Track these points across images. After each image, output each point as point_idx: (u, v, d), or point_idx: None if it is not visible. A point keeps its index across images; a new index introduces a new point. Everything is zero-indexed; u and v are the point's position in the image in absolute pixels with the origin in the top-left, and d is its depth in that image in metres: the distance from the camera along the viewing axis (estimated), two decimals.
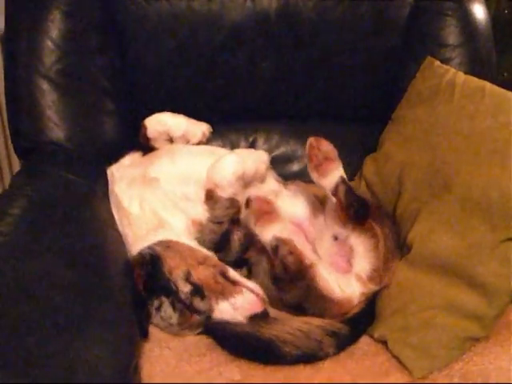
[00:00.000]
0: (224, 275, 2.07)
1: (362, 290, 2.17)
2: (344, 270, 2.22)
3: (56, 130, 2.47)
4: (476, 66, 2.80)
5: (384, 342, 2.06)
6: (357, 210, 2.16)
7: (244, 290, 2.02)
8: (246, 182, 2.32)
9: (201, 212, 2.26)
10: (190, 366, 1.91)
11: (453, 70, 2.52)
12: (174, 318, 2.02)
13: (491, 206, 2.00)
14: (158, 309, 2.03)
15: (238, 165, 2.26)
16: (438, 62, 2.63)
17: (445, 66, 2.59)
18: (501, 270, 1.95)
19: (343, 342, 2.03)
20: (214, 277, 2.04)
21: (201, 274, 2.04)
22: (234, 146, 2.92)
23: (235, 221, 2.29)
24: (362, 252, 2.20)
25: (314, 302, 2.11)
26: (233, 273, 2.10)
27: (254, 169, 2.34)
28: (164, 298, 2.02)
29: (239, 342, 2.00)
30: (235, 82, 2.82)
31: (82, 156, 2.51)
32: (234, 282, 2.05)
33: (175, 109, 2.68)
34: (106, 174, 2.46)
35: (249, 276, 2.24)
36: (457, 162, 2.16)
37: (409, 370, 1.92)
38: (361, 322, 2.14)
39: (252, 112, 2.93)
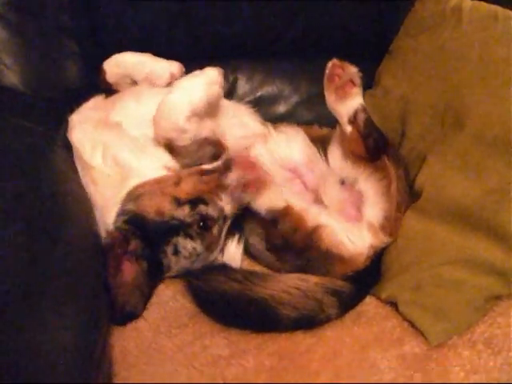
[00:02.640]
0: (204, 173, 1.91)
1: (373, 242, 1.96)
2: (354, 219, 2.01)
3: (9, 73, 2.20)
4: None
5: (393, 304, 1.84)
6: (376, 141, 1.99)
7: (229, 173, 1.88)
8: (202, 114, 2.01)
9: (172, 158, 2.00)
10: (170, 339, 1.68)
11: None
12: (198, 244, 1.86)
13: (510, 143, 1.78)
14: (176, 252, 1.85)
15: (183, 104, 1.94)
16: None
17: None
18: None
19: (346, 301, 1.83)
20: (198, 180, 1.89)
21: (186, 189, 1.87)
22: None
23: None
24: (373, 196, 2.00)
25: (320, 263, 1.91)
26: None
27: (204, 98, 1.99)
28: (175, 238, 1.84)
29: (226, 305, 1.77)
30: (212, 17, 2.52)
31: (40, 102, 2.24)
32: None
33: (146, 47, 2.36)
34: (67, 121, 2.16)
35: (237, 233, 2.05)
36: (469, 95, 1.94)
37: (424, 336, 1.71)
38: (365, 279, 1.93)
39: (232, 48, 2.65)
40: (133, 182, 1.91)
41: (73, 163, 2.03)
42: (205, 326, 1.73)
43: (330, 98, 2.02)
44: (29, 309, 1.33)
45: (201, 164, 1.96)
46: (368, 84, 2.52)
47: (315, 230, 1.91)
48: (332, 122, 2.40)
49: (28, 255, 1.43)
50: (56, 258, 1.51)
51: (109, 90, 2.29)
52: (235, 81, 2.69)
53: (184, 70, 2.35)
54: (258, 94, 2.69)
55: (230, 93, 2.61)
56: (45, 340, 1.31)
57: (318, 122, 2.45)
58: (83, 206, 1.88)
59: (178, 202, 1.83)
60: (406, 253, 1.91)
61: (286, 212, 1.91)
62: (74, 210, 1.79)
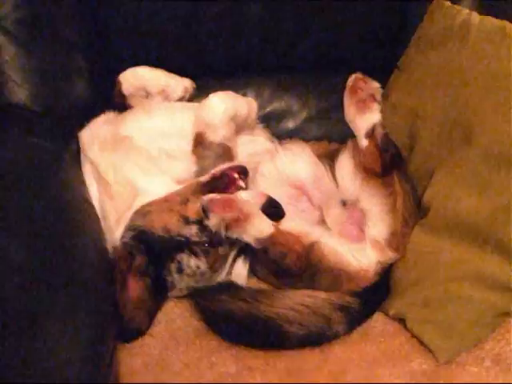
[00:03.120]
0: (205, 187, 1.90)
1: (380, 258, 1.94)
2: (356, 239, 1.99)
3: (17, 89, 2.18)
4: (491, 6, 2.48)
5: (402, 320, 1.83)
6: (393, 156, 2.01)
7: (238, 193, 1.88)
8: (238, 125, 2.08)
9: (186, 168, 2.01)
10: (177, 356, 1.68)
11: (466, 11, 2.23)
12: (202, 262, 1.86)
13: None
14: (180, 270, 1.85)
15: (229, 103, 2.04)
16: (448, 3, 2.35)
17: (456, 7, 2.30)
18: None
19: (355, 318, 1.82)
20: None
21: (193, 209, 1.86)
22: None
23: None
24: (378, 214, 1.98)
25: (326, 280, 1.90)
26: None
27: (246, 110, 2.12)
28: (179, 255, 1.85)
29: (233, 325, 1.77)
30: (220, 31, 2.51)
31: (48, 118, 2.22)
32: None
33: (154, 64, 2.39)
34: (77, 138, 2.18)
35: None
36: (478, 111, 1.91)
37: (432, 353, 1.71)
38: (374, 295, 1.91)
39: (240, 65, 2.64)
40: (140, 200, 1.91)
41: (81, 179, 2.04)
42: (212, 343, 1.72)
43: (350, 110, 2.04)
44: (32, 323, 1.32)
45: None
46: None
47: (311, 249, 1.90)
48: (341, 137, 2.40)
49: (33, 269, 1.43)
50: (61, 273, 1.51)
51: (120, 105, 2.30)
52: (244, 96, 2.63)
53: (195, 86, 2.39)
54: (267, 109, 2.66)
55: None
56: (49, 354, 1.30)
57: (326, 138, 2.44)
58: (90, 221, 1.89)
59: (186, 221, 1.84)
60: (414, 269, 1.89)
61: (273, 239, 1.86)
62: (80, 226, 1.79)
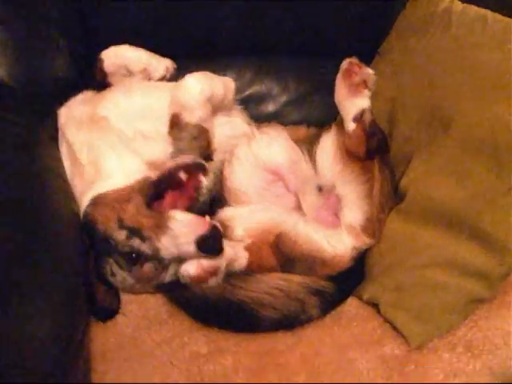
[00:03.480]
0: (150, 202, 1.81)
1: (355, 244, 1.94)
2: (331, 225, 1.98)
3: None
4: None
5: (375, 305, 1.83)
6: (380, 141, 1.98)
7: (175, 213, 1.75)
8: (214, 106, 2.04)
9: (162, 150, 1.96)
10: (149, 335, 1.67)
11: None
12: (126, 274, 1.76)
13: (497, 148, 1.76)
14: (112, 274, 1.78)
15: (206, 83, 1.99)
16: None
17: None
18: (510, 222, 1.70)
19: (329, 302, 1.82)
20: (139, 211, 1.78)
21: (130, 212, 1.78)
22: None
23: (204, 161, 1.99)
24: (354, 200, 1.97)
25: (301, 267, 1.89)
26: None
27: (222, 90, 2.07)
28: (110, 259, 1.77)
29: (206, 307, 1.76)
30: (200, 12, 2.47)
31: (26, 96, 2.18)
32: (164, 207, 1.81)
33: (134, 43, 2.33)
34: (55, 116, 2.13)
35: None
36: (457, 98, 1.91)
37: (405, 338, 1.71)
38: (348, 279, 1.91)
39: (221, 46, 2.62)
40: (100, 185, 1.87)
41: (57, 156, 2.01)
42: (184, 324, 1.72)
43: (341, 92, 2.00)
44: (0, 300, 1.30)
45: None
46: None
47: (280, 240, 1.91)
48: (320, 121, 2.40)
49: (7, 247, 1.41)
50: (32, 249, 1.49)
51: (100, 83, 2.26)
52: None
53: (176, 66, 2.36)
54: (247, 92, 2.65)
55: None
56: (18, 331, 1.29)
57: (306, 122, 2.43)
58: (67, 200, 1.86)
59: (121, 224, 1.75)
60: (389, 254, 1.89)
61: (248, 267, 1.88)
62: (57, 205, 1.77)
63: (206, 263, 1.71)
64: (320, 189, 2.04)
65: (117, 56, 2.25)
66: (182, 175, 1.80)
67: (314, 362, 1.60)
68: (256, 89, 2.66)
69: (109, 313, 1.76)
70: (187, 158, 1.84)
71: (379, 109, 2.22)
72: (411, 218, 1.88)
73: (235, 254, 1.84)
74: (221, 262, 1.75)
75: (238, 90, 2.50)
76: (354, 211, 1.95)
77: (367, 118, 1.94)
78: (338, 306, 1.84)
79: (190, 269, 1.71)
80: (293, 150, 2.14)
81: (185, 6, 2.45)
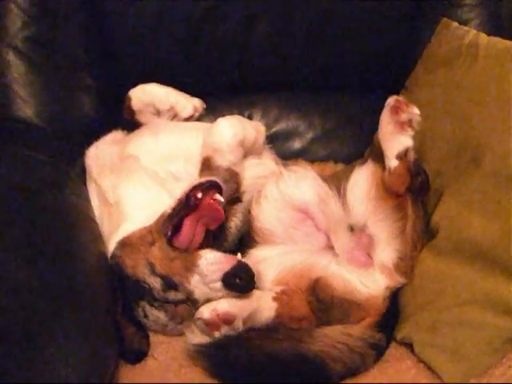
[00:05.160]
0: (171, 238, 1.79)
1: (388, 283, 1.91)
2: (364, 265, 1.95)
3: (23, 106, 2.20)
4: (498, 27, 2.53)
5: (409, 345, 1.79)
6: (423, 181, 1.95)
7: (203, 252, 1.74)
8: (246, 150, 2.04)
9: None
10: (179, 378, 1.63)
11: (473, 32, 2.25)
12: (162, 316, 1.77)
13: None
14: (145, 316, 1.78)
15: (238, 128, 1.99)
16: (455, 24, 2.36)
17: (464, 28, 2.32)
18: None
19: (382, 353, 1.80)
20: (165, 254, 1.77)
21: (158, 258, 1.77)
22: None
23: (233, 203, 2.02)
24: (386, 239, 1.94)
25: (338, 312, 1.86)
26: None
27: (254, 134, 2.06)
28: (143, 302, 1.77)
29: (279, 365, 1.69)
30: (226, 51, 2.53)
31: (54, 135, 2.23)
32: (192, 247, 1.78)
33: (162, 82, 2.37)
34: (83, 155, 2.16)
35: None
36: (487, 131, 1.89)
37: (440, 378, 1.65)
38: (390, 325, 1.89)
39: (246, 84, 2.65)
40: (126, 227, 1.87)
41: (86, 197, 2.03)
42: None
43: (387, 128, 1.93)
44: (32, 343, 1.29)
45: None
46: None
47: (318, 286, 1.88)
48: (347, 157, 2.40)
49: (33, 287, 1.40)
50: (63, 292, 1.48)
51: (129, 122, 2.29)
52: (250, 117, 2.67)
53: (205, 106, 2.38)
54: (273, 130, 2.67)
55: None
56: (48, 376, 1.27)
57: (332, 158, 2.43)
58: (95, 241, 1.86)
59: (153, 270, 1.75)
60: (422, 292, 1.85)
61: (278, 319, 1.84)
62: (85, 245, 1.76)
63: (221, 309, 1.69)
64: (351, 228, 2.00)
65: (144, 93, 2.26)
66: (199, 194, 1.77)
67: None
68: (282, 126, 2.68)
69: (138, 355, 1.73)
70: (201, 179, 1.83)
71: None
72: (444, 255, 1.84)
73: (260, 305, 1.80)
74: (240, 311, 1.71)
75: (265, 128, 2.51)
76: (387, 250, 1.92)
77: (411, 156, 1.90)
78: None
79: (205, 312, 1.68)
80: (321, 188, 2.10)
81: (211, 43, 2.49)
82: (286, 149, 2.63)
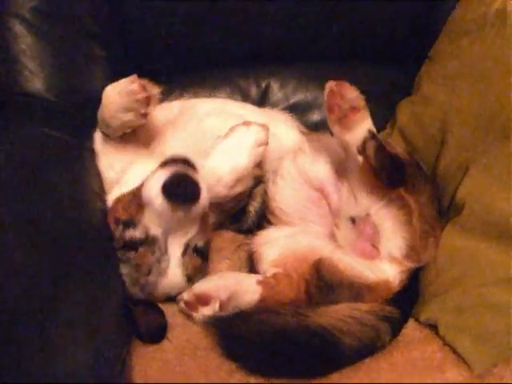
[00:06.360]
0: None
1: (399, 270, 1.82)
2: (370, 256, 1.84)
3: (32, 79, 2.13)
4: None
5: (433, 326, 1.71)
6: (390, 173, 1.75)
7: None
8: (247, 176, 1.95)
9: None
10: (195, 361, 1.57)
11: None
12: (128, 268, 1.72)
13: None
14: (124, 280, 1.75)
15: (225, 174, 1.88)
16: None
17: None
18: None
19: (396, 327, 1.71)
20: (129, 200, 1.77)
21: (122, 209, 1.78)
22: (243, 94, 2.57)
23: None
24: (392, 227, 1.81)
25: (346, 294, 1.77)
26: None
27: (249, 165, 1.92)
28: (121, 265, 1.74)
29: (279, 338, 1.61)
30: (244, 19, 2.43)
31: (66, 109, 2.16)
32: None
33: (175, 51, 2.37)
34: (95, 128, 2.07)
35: None
36: None
37: (467, 363, 1.57)
38: (406, 301, 1.80)
39: (264, 54, 2.56)
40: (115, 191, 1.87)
41: (98, 173, 1.97)
42: None
43: (335, 129, 1.81)
44: (38, 328, 1.23)
45: None
46: (406, 90, 2.42)
47: (320, 266, 1.79)
48: None
49: (38, 270, 1.34)
50: (69, 274, 1.42)
51: None
52: (268, 87, 2.60)
53: None
54: (292, 101, 2.59)
55: (263, 100, 2.52)
56: (56, 362, 1.22)
57: None
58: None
59: (117, 222, 1.75)
60: (447, 272, 1.77)
61: (263, 302, 1.77)
62: (95, 225, 1.73)
63: (198, 289, 1.68)
64: (353, 220, 1.88)
65: None
66: None
67: None
68: (300, 97, 2.59)
69: (158, 331, 1.68)
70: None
71: (430, 115, 2.16)
72: (470, 233, 1.76)
73: (242, 287, 1.75)
74: (217, 293, 1.69)
75: (283, 99, 2.45)
76: (394, 241, 1.81)
77: (370, 146, 1.73)
78: (402, 328, 1.73)
79: (184, 294, 1.70)
80: (339, 165, 2.00)
81: (229, 12, 2.41)
82: (305, 120, 2.53)
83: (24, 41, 2.11)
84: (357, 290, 1.76)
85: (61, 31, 2.19)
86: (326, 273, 1.78)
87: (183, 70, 2.51)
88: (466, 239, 1.77)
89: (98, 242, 1.68)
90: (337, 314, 1.67)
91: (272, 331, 1.62)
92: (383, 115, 2.43)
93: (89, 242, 1.61)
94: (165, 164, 1.71)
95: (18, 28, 2.10)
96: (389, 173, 1.74)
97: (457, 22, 2.27)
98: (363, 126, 1.76)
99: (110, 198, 1.86)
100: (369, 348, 1.62)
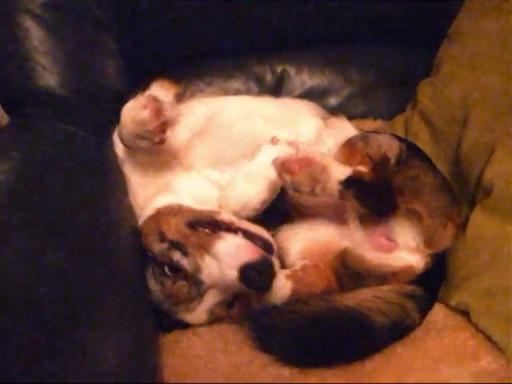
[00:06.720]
0: (200, 222, 1.71)
1: (421, 256, 1.77)
2: (388, 249, 1.80)
3: (46, 75, 2.08)
4: None
5: (464, 313, 1.66)
6: (378, 209, 1.73)
7: (225, 233, 1.64)
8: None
9: None
10: (227, 357, 1.54)
11: None
12: (156, 288, 1.67)
13: None
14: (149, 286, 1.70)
15: (257, 198, 1.80)
16: None
17: None
18: None
19: (423, 304, 1.68)
20: (180, 226, 1.70)
21: (172, 227, 1.70)
22: (259, 81, 2.54)
23: None
24: (403, 228, 1.79)
25: (374, 281, 1.73)
26: (225, 216, 1.74)
27: (259, 202, 1.82)
28: (147, 273, 1.69)
29: (310, 324, 1.58)
30: (256, 4, 2.39)
31: (81, 104, 2.13)
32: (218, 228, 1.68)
33: (187, 37, 2.34)
34: (112, 124, 2.04)
35: None
36: None
37: (501, 350, 1.52)
38: (431, 280, 1.77)
39: (279, 39, 2.52)
40: (164, 198, 1.82)
41: (118, 168, 1.94)
42: None
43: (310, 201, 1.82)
44: (70, 331, 1.22)
45: None
46: (425, 71, 2.38)
47: (345, 256, 1.77)
48: (386, 114, 2.28)
49: (67, 272, 1.32)
50: (99, 275, 1.40)
51: None
52: (284, 73, 2.56)
53: None
54: (308, 86, 2.55)
55: (278, 86, 2.48)
56: (88, 365, 1.20)
57: (371, 114, 2.33)
58: (130, 215, 1.80)
59: (162, 239, 1.68)
60: (477, 256, 1.73)
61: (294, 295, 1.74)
62: (120, 221, 1.70)
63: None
64: (361, 219, 1.84)
65: None
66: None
67: (406, 382, 1.46)
68: (317, 82, 2.56)
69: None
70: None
71: (452, 96, 2.12)
72: (500, 215, 1.72)
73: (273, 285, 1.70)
74: None
75: (299, 84, 2.41)
76: (408, 235, 1.78)
77: (349, 197, 1.66)
78: (431, 308, 1.70)
79: None
80: None
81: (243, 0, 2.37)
82: (322, 106, 2.43)
83: (35, 36, 2.07)
84: (383, 277, 1.73)
85: (72, 25, 2.15)
86: (351, 263, 1.76)
87: (197, 58, 2.48)
88: (495, 222, 1.73)
89: (126, 239, 1.67)
90: (362, 296, 1.65)
91: (303, 318, 1.59)
92: (402, 97, 2.39)
93: (118, 240, 1.60)
94: (247, 234, 1.67)
95: (29, 24, 2.06)
96: (378, 209, 1.72)
97: (476, 0, 2.22)
98: (332, 181, 1.66)
99: (151, 204, 1.81)
100: (400, 326, 1.60)
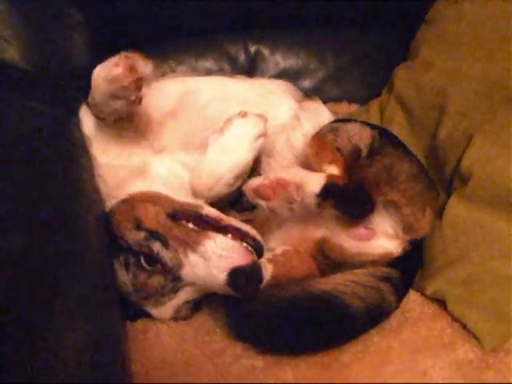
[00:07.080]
0: (182, 214, 1.65)
1: (400, 242, 1.75)
2: (366, 238, 1.76)
3: (8, 47, 1.99)
4: None
5: (440, 301, 1.65)
6: (357, 213, 1.69)
7: (213, 234, 1.57)
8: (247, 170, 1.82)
9: None
10: (197, 347, 1.50)
11: None
12: (127, 279, 1.59)
13: None
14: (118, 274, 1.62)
15: (225, 172, 1.75)
16: None
17: None
18: None
19: (399, 287, 1.66)
20: (161, 217, 1.62)
21: (151, 216, 1.62)
22: (232, 60, 2.48)
23: None
24: (381, 217, 1.75)
25: (352, 268, 1.71)
26: (211, 211, 1.67)
27: (250, 161, 1.79)
28: (116, 261, 1.61)
29: (286, 309, 1.54)
30: None
31: (45, 79, 2.05)
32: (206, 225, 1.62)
33: (159, 13, 2.26)
34: (77, 101, 1.95)
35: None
36: None
37: (477, 339, 1.52)
38: (408, 264, 1.75)
39: (253, 18, 2.45)
40: (138, 185, 1.75)
41: (85, 149, 1.85)
42: None
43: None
44: (34, 319, 1.16)
45: None
46: (402, 55, 2.34)
47: (324, 245, 1.75)
48: (361, 98, 2.24)
49: (33, 258, 1.25)
50: (64, 261, 1.33)
51: None
52: (257, 53, 2.50)
53: None
54: (281, 67, 2.51)
55: (252, 66, 2.42)
56: (52, 355, 1.14)
57: (346, 98, 2.28)
58: (97, 200, 1.72)
59: (138, 226, 1.60)
60: (454, 244, 1.72)
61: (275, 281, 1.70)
62: (88, 206, 1.61)
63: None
64: None
65: None
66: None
67: (383, 373, 1.43)
68: (291, 63, 2.51)
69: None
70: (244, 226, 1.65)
71: (430, 81, 2.10)
72: (477, 203, 1.71)
73: None
74: None
75: (273, 65, 2.35)
76: (386, 223, 1.75)
77: (328, 205, 1.62)
78: (407, 292, 1.69)
79: None
80: None
81: None
82: (297, 87, 2.41)
83: None
84: (362, 266, 1.71)
85: None
86: (330, 252, 1.74)
87: (168, 36, 2.41)
88: (472, 210, 1.72)
89: (93, 225, 1.58)
90: (337, 280, 1.63)
91: (278, 303, 1.55)
92: (378, 80, 2.36)
93: (85, 226, 1.52)
94: (237, 233, 1.60)
95: None
96: (357, 212, 1.68)
97: None
98: (308, 196, 1.61)
99: (123, 188, 1.74)
100: (376, 309, 1.58)
